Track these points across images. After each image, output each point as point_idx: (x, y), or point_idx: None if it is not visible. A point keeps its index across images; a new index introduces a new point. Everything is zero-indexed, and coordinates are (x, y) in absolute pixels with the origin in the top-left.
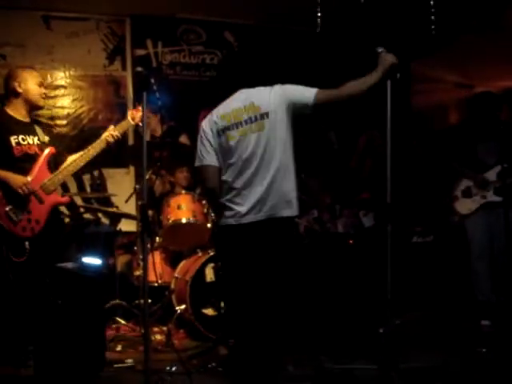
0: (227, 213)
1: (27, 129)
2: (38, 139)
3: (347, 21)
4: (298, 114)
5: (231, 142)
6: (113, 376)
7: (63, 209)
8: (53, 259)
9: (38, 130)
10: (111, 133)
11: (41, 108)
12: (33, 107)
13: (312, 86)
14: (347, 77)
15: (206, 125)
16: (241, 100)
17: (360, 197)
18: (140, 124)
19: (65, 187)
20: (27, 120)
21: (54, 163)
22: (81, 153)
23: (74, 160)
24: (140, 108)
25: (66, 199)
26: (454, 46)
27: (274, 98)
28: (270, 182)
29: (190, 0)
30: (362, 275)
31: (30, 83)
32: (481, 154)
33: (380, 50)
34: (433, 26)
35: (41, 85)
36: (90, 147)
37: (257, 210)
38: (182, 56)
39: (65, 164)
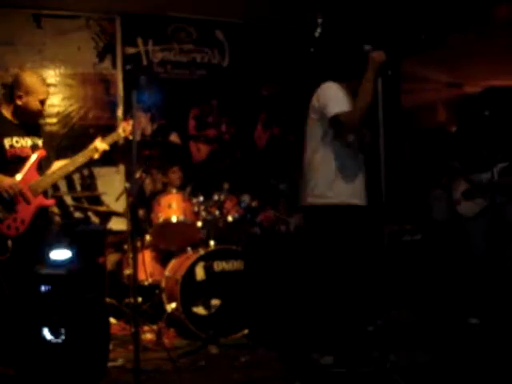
0: None
1: (21, 131)
2: (31, 141)
3: (337, 19)
4: None
5: None
6: None
7: (53, 207)
8: (36, 260)
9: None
10: (97, 146)
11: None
12: (27, 118)
13: (303, 83)
14: (339, 75)
15: None
16: None
17: None
18: (130, 137)
19: (55, 186)
20: (21, 122)
21: (44, 166)
22: (69, 159)
23: (65, 165)
24: (131, 122)
25: (51, 202)
26: (444, 45)
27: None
28: None
29: None
30: (353, 273)
31: (32, 99)
32: (486, 153)
33: (367, 47)
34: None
35: (43, 102)
36: (80, 154)
37: None
38: (172, 54)
39: (53, 168)
